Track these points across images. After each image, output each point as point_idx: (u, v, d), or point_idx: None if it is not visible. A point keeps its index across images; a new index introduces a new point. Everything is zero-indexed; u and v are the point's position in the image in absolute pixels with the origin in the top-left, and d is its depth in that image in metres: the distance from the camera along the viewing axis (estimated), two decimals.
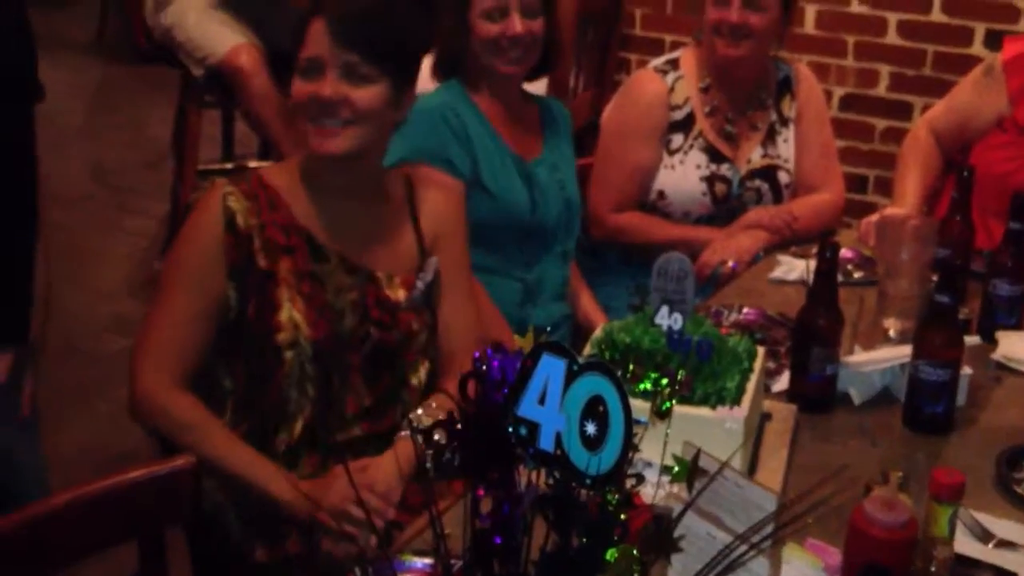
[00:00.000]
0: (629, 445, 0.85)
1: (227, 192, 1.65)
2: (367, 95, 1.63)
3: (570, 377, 0.88)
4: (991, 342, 1.89)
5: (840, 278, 2.10)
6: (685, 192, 2.39)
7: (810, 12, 3.52)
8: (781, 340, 1.89)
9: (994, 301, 1.93)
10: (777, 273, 2.21)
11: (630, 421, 0.85)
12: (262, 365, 1.65)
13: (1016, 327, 1.92)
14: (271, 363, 1.64)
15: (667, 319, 1.56)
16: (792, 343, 1.77)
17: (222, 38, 3.13)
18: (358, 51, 1.62)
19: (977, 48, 3.18)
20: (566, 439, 0.88)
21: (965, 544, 1.34)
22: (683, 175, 2.38)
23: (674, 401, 0.96)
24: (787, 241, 2.35)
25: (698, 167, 2.38)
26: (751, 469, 1.51)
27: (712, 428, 1.44)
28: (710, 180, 2.39)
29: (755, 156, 2.42)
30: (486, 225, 2.02)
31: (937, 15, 3.32)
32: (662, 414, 0.95)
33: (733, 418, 1.45)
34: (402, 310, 1.71)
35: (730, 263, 2.31)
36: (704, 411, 1.47)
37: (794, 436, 1.62)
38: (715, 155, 2.39)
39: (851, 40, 3.48)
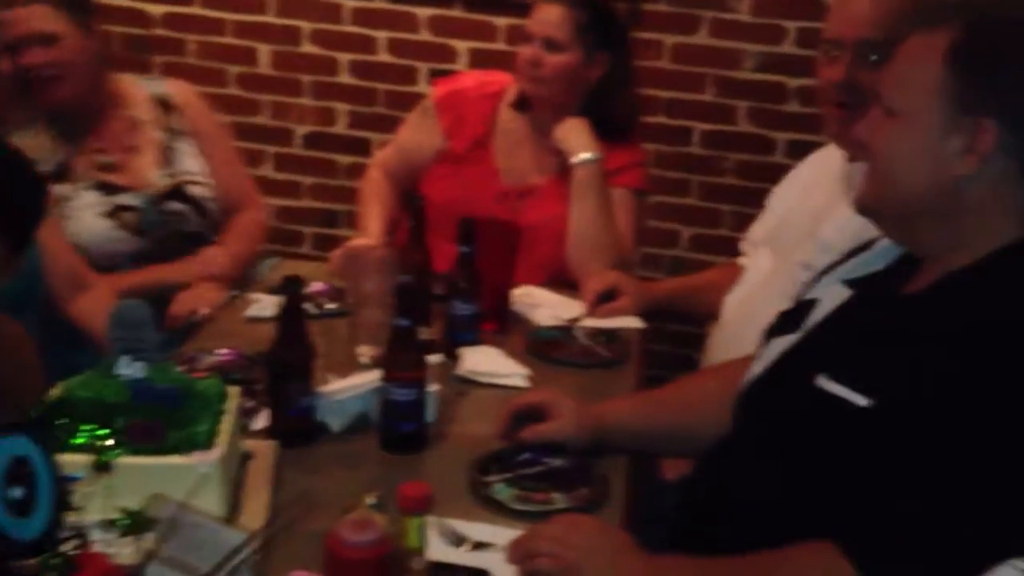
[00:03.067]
0: (61, 505, 0.78)
1: None
2: None
3: None
4: (454, 359, 2.00)
5: (314, 311, 2.16)
6: (95, 236, 2.32)
7: (264, 53, 3.56)
8: (259, 378, 1.86)
9: (453, 320, 2.06)
10: (252, 311, 2.19)
11: (59, 479, 0.78)
12: None
13: (474, 342, 2.05)
14: None
15: (129, 369, 1.48)
16: (267, 380, 1.75)
17: None
18: None
19: (422, 86, 3.40)
20: None
21: (440, 551, 1.40)
22: (81, 221, 2.30)
23: (118, 452, 0.90)
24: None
25: (92, 206, 2.33)
26: (234, 511, 1.46)
27: (187, 475, 1.38)
28: (112, 213, 2.35)
29: (156, 180, 2.41)
30: None
31: (383, 55, 3.51)
32: (103, 467, 0.88)
33: (206, 462, 1.40)
34: None
35: (200, 310, 2.27)
36: (176, 459, 1.40)
37: (277, 472, 1.60)
38: (108, 188, 2.36)
39: (306, 80, 3.57)
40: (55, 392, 1.47)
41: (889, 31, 1.67)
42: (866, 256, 1.52)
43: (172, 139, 2.48)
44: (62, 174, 2.36)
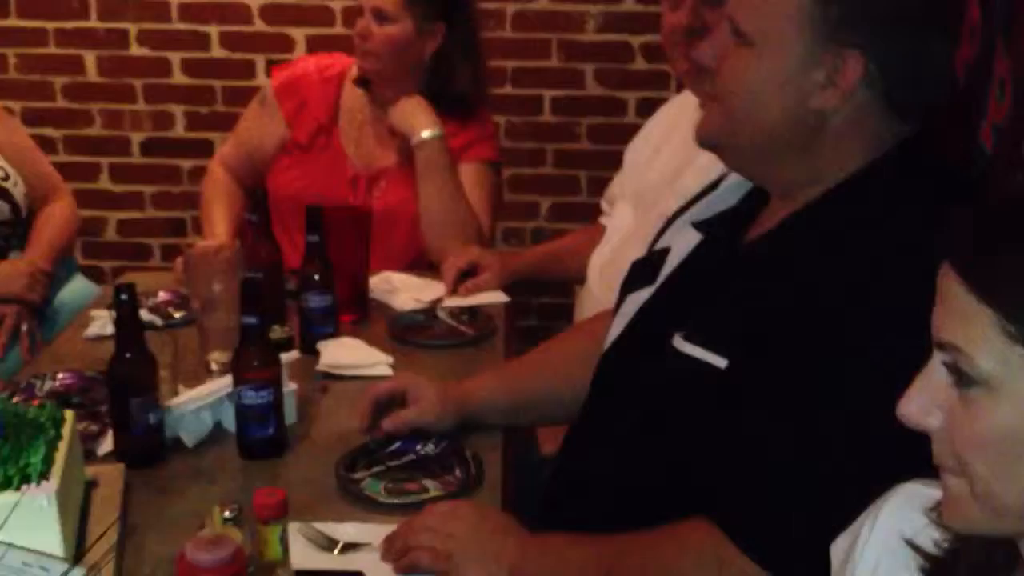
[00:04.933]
0: None
1: None
2: None
3: None
4: (313, 354, 1.91)
5: (160, 322, 2.04)
6: None
7: (91, 61, 3.38)
8: (103, 400, 1.75)
9: (309, 314, 1.97)
10: (92, 330, 2.05)
11: None
12: None
13: (334, 335, 1.97)
14: None
15: None
16: (108, 399, 1.63)
17: None
18: None
19: (261, 80, 3.28)
20: None
21: (307, 557, 1.32)
22: None
23: None
24: None
25: None
26: (80, 543, 1.35)
27: (22, 511, 1.26)
28: None
29: None
30: None
31: (217, 51, 3.37)
32: None
33: (41, 495, 1.28)
34: None
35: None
36: (7, 495, 1.28)
37: (125, 498, 1.49)
38: None
39: (138, 84, 3.40)
40: None
41: None
42: (714, 195, 1.47)
43: None
44: None
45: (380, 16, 2.33)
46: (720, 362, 1.22)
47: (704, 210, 1.46)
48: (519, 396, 1.68)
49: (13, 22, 3.37)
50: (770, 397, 1.16)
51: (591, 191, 3.28)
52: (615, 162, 2.32)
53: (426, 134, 2.32)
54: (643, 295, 1.44)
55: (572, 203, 3.42)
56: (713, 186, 1.50)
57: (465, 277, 2.23)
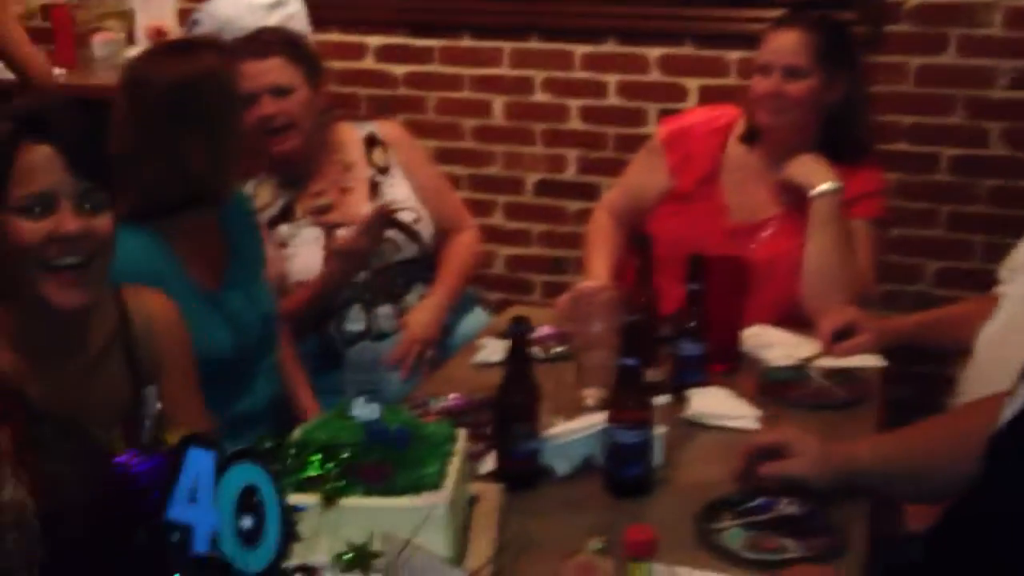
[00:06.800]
0: (290, 535, 0.80)
1: None
2: (107, 221, 1.52)
3: (221, 469, 0.82)
4: (682, 400, 1.96)
5: (541, 355, 2.17)
6: (317, 268, 2.42)
7: (499, 105, 3.65)
8: (486, 422, 1.89)
9: (681, 361, 2.02)
10: (480, 357, 2.22)
11: (288, 509, 0.80)
12: None
13: (703, 383, 2.00)
14: None
15: (363, 410, 1.53)
16: (493, 423, 1.77)
17: None
18: (97, 178, 1.50)
19: (651, 127, 3.38)
20: (221, 537, 0.81)
21: None
22: (305, 257, 2.41)
23: (347, 488, 0.92)
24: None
25: (312, 241, 2.46)
26: (461, 553, 1.48)
27: (414, 517, 1.40)
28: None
29: (366, 211, 2.49)
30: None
31: (613, 99, 3.52)
32: (330, 501, 0.91)
33: (434, 504, 1.42)
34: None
35: (429, 352, 2.35)
36: (404, 500, 1.43)
37: (502, 516, 1.60)
38: (326, 225, 2.48)
39: (538, 128, 3.63)
40: (295, 435, 1.54)
41: None
42: None
43: (378, 174, 2.59)
44: (285, 215, 2.52)
45: (792, 72, 2.35)
46: None
47: None
48: (900, 467, 1.62)
49: (436, 68, 3.70)
50: None
51: (985, 257, 3.10)
52: (1015, 227, 2.19)
53: (825, 187, 2.31)
54: None
55: (963, 268, 3.24)
56: None
57: (841, 338, 2.19)
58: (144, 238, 1.91)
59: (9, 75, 3.30)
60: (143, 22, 3.89)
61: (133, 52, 3.64)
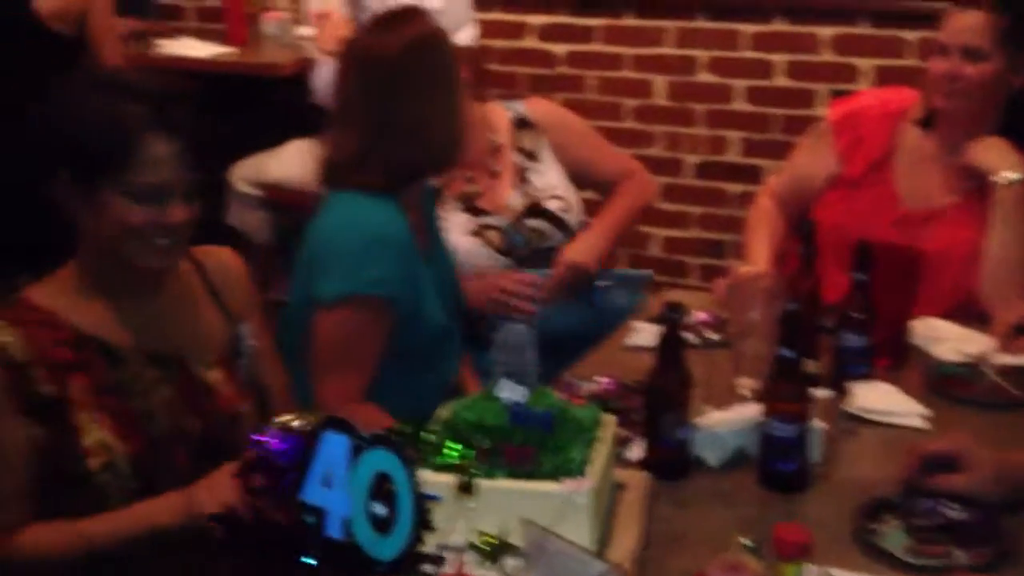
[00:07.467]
0: (422, 524, 0.78)
1: None
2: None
3: (355, 454, 0.81)
4: (843, 394, 1.88)
5: (697, 341, 2.12)
6: (464, 252, 2.40)
7: (660, 83, 3.58)
8: (636, 408, 1.85)
9: (843, 353, 1.93)
10: (632, 340, 2.18)
11: (421, 498, 0.78)
12: (73, 499, 1.50)
13: (866, 377, 1.91)
14: (85, 494, 1.50)
15: (509, 392, 1.51)
16: (643, 409, 1.73)
17: None
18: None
19: (820, 109, 3.26)
20: (354, 523, 0.80)
21: None
22: (451, 239, 2.38)
23: (484, 473, 0.90)
24: None
25: (460, 225, 2.44)
26: (604, 542, 1.44)
27: (557, 503, 1.37)
28: (478, 232, 2.44)
29: (513, 201, 2.47)
30: (416, 350, 2.00)
31: (780, 80, 3.41)
32: (467, 488, 0.88)
33: (578, 491, 1.38)
34: (224, 394, 1.62)
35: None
36: (547, 485, 1.40)
37: (649, 505, 1.56)
38: (474, 211, 2.46)
39: (701, 108, 3.54)
40: (443, 413, 1.53)
41: None
42: None
43: (526, 160, 2.55)
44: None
45: (973, 54, 2.22)
46: None
47: None
48: None
49: (596, 47, 3.66)
50: None
51: None
52: None
53: (1012, 175, 2.18)
54: None
55: None
56: None
57: (1020, 334, 2.06)
58: (392, 209, 1.97)
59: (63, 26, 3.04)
60: (310, 6, 3.97)
61: (302, 32, 3.73)
